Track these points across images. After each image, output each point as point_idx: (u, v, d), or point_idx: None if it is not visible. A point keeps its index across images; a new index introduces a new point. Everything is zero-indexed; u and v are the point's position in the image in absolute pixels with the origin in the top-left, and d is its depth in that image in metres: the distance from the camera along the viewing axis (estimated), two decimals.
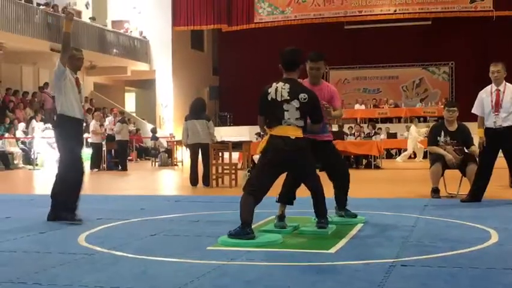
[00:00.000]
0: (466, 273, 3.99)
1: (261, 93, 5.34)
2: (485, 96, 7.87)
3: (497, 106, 7.71)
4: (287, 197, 5.74)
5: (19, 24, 20.49)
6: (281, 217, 5.69)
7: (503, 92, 7.73)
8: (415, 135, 20.13)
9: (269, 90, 5.26)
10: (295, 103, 5.18)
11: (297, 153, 5.21)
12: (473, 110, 8.02)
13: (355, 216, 6.22)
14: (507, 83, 7.81)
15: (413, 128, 20.72)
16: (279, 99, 5.20)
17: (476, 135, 8.15)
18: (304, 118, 5.25)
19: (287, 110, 5.18)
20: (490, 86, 7.89)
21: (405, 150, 20.85)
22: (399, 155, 21.31)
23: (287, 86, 5.23)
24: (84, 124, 7.57)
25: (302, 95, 5.21)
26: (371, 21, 26.74)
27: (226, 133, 22.63)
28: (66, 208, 6.33)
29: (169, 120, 28.37)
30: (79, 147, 6.68)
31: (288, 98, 5.19)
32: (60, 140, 6.61)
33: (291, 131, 5.19)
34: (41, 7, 22.14)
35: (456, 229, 5.82)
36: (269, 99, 5.24)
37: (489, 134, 7.79)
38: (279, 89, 5.23)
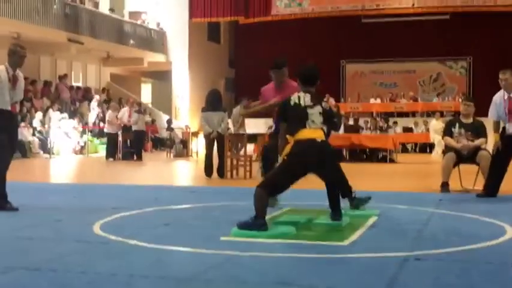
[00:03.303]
0: (480, 268, 3.98)
1: (282, 102, 5.50)
2: (498, 103, 7.84)
3: (510, 114, 7.68)
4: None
5: (37, 15, 20.60)
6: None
7: None
8: (435, 129, 20.00)
9: (291, 97, 5.37)
10: (318, 108, 5.30)
11: (323, 156, 5.27)
12: (489, 116, 7.99)
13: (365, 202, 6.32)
14: None
15: (434, 122, 20.60)
16: (302, 104, 5.29)
17: (492, 132, 8.10)
18: (326, 123, 5.34)
19: (311, 114, 5.27)
20: (502, 91, 7.85)
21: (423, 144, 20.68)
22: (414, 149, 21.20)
23: (308, 95, 5.36)
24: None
25: (324, 103, 5.38)
26: (389, 14, 26.56)
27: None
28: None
29: (185, 111, 28.44)
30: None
31: (311, 104, 5.30)
32: None
33: (316, 133, 5.24)
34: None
35: (471, 224, 5.80)
36: (292, 104, 5.31)
37: (504, 138, 7.76)
38: (301, 97, 5.34)
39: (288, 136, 5.33)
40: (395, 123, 22.82)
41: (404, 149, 22.02)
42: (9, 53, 6.53)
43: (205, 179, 11.10)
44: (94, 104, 23.43)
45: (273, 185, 5.17)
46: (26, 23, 20.15)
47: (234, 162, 11.50)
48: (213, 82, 27.37)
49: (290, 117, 5.34)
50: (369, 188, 9.22)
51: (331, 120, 5.44)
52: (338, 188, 5.53)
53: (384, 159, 16.79)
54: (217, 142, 11.25)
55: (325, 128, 5.35)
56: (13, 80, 6.49)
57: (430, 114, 24.87)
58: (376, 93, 28.42)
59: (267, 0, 27.00)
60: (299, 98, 5.33)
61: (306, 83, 5.45)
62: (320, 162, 5.27)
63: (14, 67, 6.54)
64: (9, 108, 6.48)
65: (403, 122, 23.93)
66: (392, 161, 16.64)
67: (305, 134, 5.22)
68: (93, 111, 23.01)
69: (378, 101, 27.21)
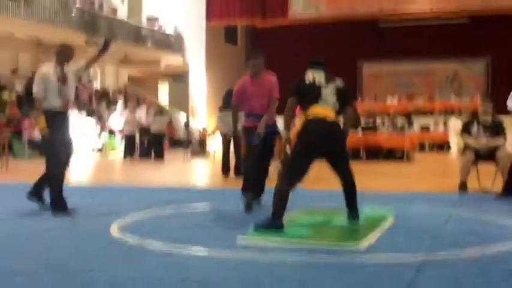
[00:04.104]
0: (498, 269, 3.93)
1: (297, 80, 5.43)
2: None
3: None
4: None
5: (56, 17, 20.78)
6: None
7: None
8: (454, 128, 19.85)
9: (306, 76, 5.37)
10: (332, 87, 5.32)
11: (333, 136, 5.24)
12: (509, 106, 7.95)
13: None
14: None
15: (453, 120, 20.45)
16: (317, 83, 5.31)
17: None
18: (339, 103, 5.32)
19: (325, 94, 5.28)
20: None
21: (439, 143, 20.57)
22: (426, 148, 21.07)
23: (322, 73, 5.37)
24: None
25: (337, 81, 5.38)
26: (406, 19, 26.39)
27: None
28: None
29: (201, 111, 28.52)
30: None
31: (325, 83, 5.32)
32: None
33: (328, 112, 5.23)
34: (77, 5, 22.41)
35: (489, 225, 5.74)
36: (307, 82, 5.33)
37: None
38: (316, 75, 5.35)
39: (301, 112, 5.37)
40: (411, 122, 22.71)
41: (422, 148, 21.90)
42: (57, 52, 6.62)
43: (222, 178, 11.11)
44: (118, 107, 23.58)
45: (292, 173, 5.14)
46: (46, 26, 20.34)
47: None
48: (230, 83, 27.40)
49: (303, 95, 5.33)
50: (385, 188, 9.21)
51: (345, 96, 5.41)
52: (354, 186, 5.48)
53: (401, 159, 16.72)
54: (233, 141, 11.28)
55: (337, 107, 5.31)
56: (62, 78, 6.54)
57: (447, 113, 24.71)
58: (393, 92, 28.28)
59: (283, 3, 26.99)
60: (313, 76, 5.34)
61: (317, 66, 5.44)
62: (330, 143, 5.24)
63: (61, 65, 6.60)
64: (61, 107, 6.52)
65: (420, 121, 23.80)
66: (409, 160, 16.56)
67: (317, 110, 5.21)
68: (117, 114, 23.14)
69: (395, 100, 27.08)
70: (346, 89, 5.45)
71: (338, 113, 5.36)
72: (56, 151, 6.43)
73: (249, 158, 6.83)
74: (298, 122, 5.38)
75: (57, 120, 6.48)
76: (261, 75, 6.74)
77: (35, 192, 6.58)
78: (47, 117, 6.46)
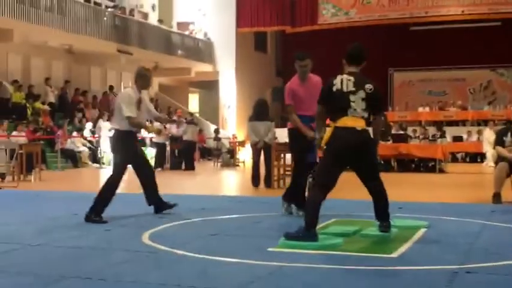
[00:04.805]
0: None
1: (325, 85, 5.37)
2: None
3: None
4: None
5: (88, 26, 21.07)
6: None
7: None
8: (488, 139, 19.58)
9: (334, 81, 5.26)
10: (361, 94, 5.18)
11: (362, 145, 5.17)
12: None
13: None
14: None
15: (487, 131, 20.17)
16: (345, 89, 5.19)
17: None
18: (369, 109, 5.22)
19: (353, 101, 5.16)
20: None
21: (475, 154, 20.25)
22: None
23: (352, 78, 5.24)
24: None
25: (368, 86, 5.22)
26: (437, 22, 26.17)
27: None
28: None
29: (232, 121, 28.60)
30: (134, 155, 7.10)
31: (354, 89, 5.18)
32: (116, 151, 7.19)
33: (357, 122, 5.16)
34: (109, 9, 22.72)
35: None
36: (334, 90, 5.23)
37: None
38: (344, 81, 5.23)
39: (329, 121, 5.32)
40: (443, 132, 22.45)
41: (454, 159, 21.63)
42: (137, 76, 6.95)
43: (252, 188, 11.11)
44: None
45: (323, 181, 5.12)
46: (77, 35, 20.63)
47: (281, 171, 11.48)
48: (260, 91, 27.42)
49: (331, 104, 5.27)
50: (417, 199, 9.11)
51: (375, 103, 5.27)
52: (385, 197, 5.41)
53: (433, 169, 16.53)
54: (264, 152, 11.26)
55: (367, 114, 5.21)
56: (138, 102, 6.84)
57: (480, 123, 24.38)
58: (424, 101, 28.02)
59: (313, 9, 26.97)
60: (341, 82, 5.22)
61: (352, 63, 5.35)
62: (358, 153, 5.17)
63: (139, 89, 6.93)
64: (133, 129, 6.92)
65: (453, 131, 23.50)
66: (441, 171, 16.36)
67: (345, 121, 5.14)
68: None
69: (427, 109, 26.82)
70: (377, 94, 5.27)
71: (367, 120, 5.28)
72: (123, 165, 6.82)
73: (301, 176, 6.73)
74: (327, 130, 5.27)
75: (129, 140, 6.87)
76: (309, 77, 6.77)
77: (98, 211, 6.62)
78: (120, 137, 6.88)
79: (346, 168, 5.26)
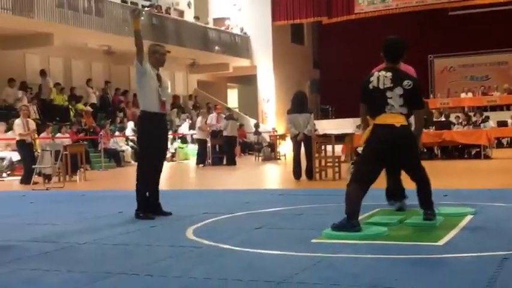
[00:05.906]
0: None
1: (362, 82, 5.30)
2: None
3: None
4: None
5: (126, 26, 21.31)
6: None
7: None
8: None
9: (371, 78, 5.20)
10: (399, 90, 5.09)
11: (402, 142, 5.11)
12: None
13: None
14: None
15: None
16: (381, 87, 5.12)
17: None
18: (407, 105, 5.12)
19: (390, 98, 5.09)
20: None
21: None
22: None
23: (389, 74, 5.15)
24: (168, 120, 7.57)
25: (406, 82, 5.12)
26: (476, 5, 25.64)
27: (328, 126, 22.56)
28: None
29: (271, 114, 28.61)
30: (158, 143, 6.64)
31: (391, 85, 5.10)
32: (140, 135, 6.79)
33: (396, 118, 5.09)
34: (146, 9, 22.93)
35: None
36: (371, 87, 5.16)
37: None
38: (381, 77, 5.15)
39: (368, 118, 5.27)
40: (487, 117, 22.01)
41: (500, 144, 21.20)
42: (149, 52, 6.61)
43: (294, 181, 11.10)
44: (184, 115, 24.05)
45: (358, 177, 5.10)
46: (116, 35, 20.88)
47: (323, 163, 11.44)
48: (298, 84, 27.43)
49: (369, 101, 5.23)
50: (464, 186, 8.97)
51: (414, 100, 5.15)
52: (428, 186, 5.35)
53: (477, 156, 16.23)
54: (304, 144, 11.22)
55: (405, 110, 5.10)
56: (158, 78, 6.56)
57: None
58: (467, 87, 27.53)
59: None
60: (378, 79, 5.15)
61: (390, 58, 5.29)
62: (398, 149, 5.11)
63: (156, 66, 6.61)
64: (159, 109, 6.53)
65: (497, 116, 23.02)
66: (487, 157, 16.05)
67: (383, 119, 5.09)
68: (189, 121, 23.59)
69: (469, 95, 26.33)
70: (416, 90, 5.14)
71: (408, 115, 5.18)
72: (147, 153, 6.55)
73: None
74: (368, 128, 5.24)
75: (153, 124, 6.51)
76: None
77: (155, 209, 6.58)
78: (143, 119, 6.52)
79: (386, 163, 5.22)
